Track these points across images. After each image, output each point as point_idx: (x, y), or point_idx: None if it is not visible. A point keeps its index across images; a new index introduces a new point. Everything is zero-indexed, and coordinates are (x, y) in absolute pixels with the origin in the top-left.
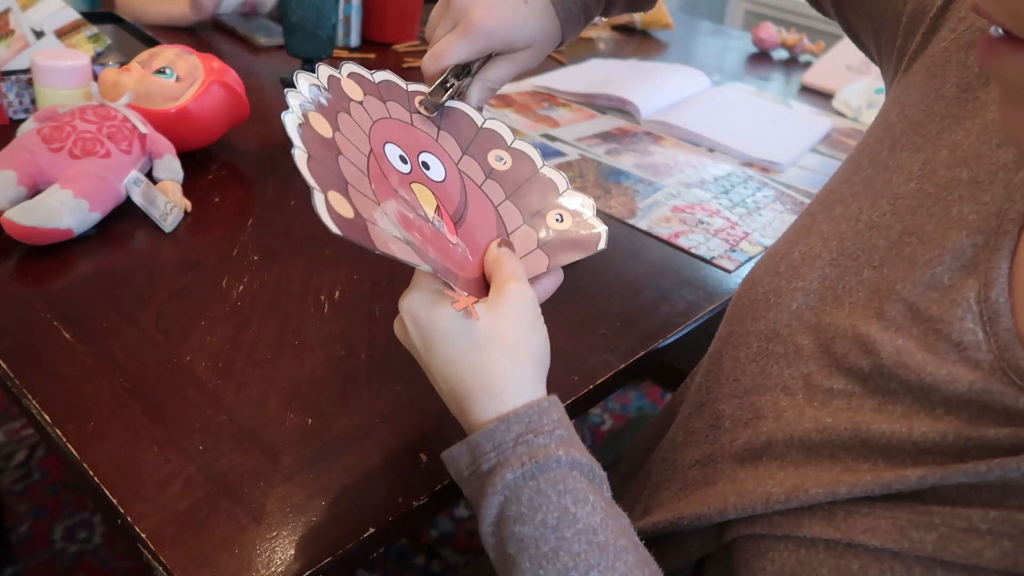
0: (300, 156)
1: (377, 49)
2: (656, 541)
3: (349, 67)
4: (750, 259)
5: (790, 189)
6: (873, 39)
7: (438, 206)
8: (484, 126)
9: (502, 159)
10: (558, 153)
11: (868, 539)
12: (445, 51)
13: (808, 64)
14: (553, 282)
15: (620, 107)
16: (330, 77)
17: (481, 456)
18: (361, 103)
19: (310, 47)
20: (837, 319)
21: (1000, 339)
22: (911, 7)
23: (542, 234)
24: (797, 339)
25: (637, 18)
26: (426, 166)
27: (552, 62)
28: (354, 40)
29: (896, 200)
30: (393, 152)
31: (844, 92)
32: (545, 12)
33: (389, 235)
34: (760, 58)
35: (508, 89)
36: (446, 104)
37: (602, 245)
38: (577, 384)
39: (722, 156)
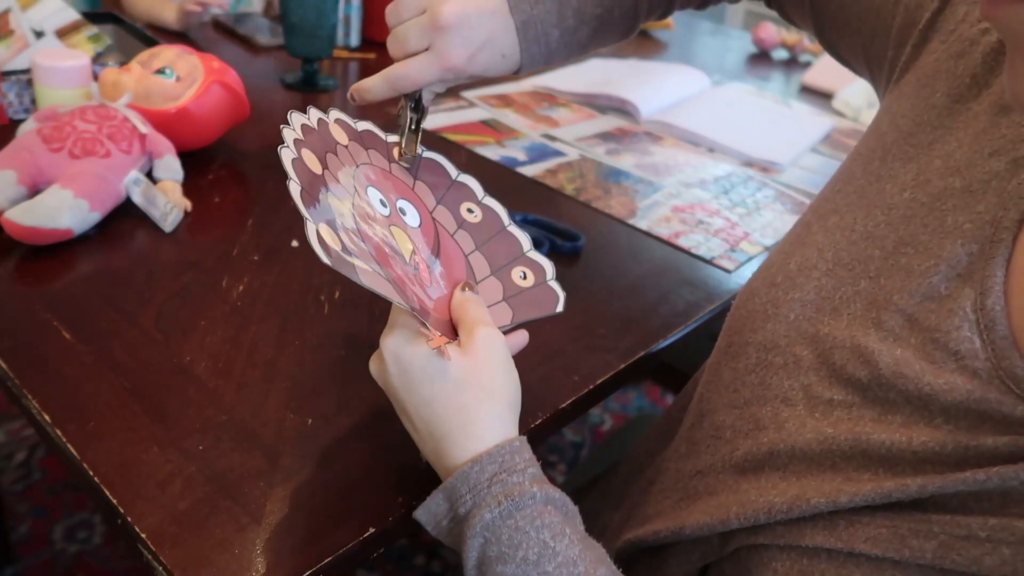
0: (295, 188)
1: (377, 49)
2: (657, 550)
3: (335, 113)
4: (750, 259)
5: (790, 189)
6: (863, 54)
7: (413, 250)
8: (457, 179)
9: (473, 211)
10: (558, 153)
11: (869, 548)
12: (416, 76)
13: (808, 64)
14: (519, 343)
15: (620, 107)
16: (320, 120)
17: (458, 500)
18: (347, 147)
19: (310, 47)
20: (835, 330)
21: (997, 347)
22: (900, 20)
23: (507, 289)
24: (795, 350)
25: None
26: (403, 212)
27: None
28: (354, 40)
29: (890, 210)
30: (374, 196)
31: (844, 92)
32: (515, 61)
33: (372, 270)
34: (760, 58)
35: (508, 89)
36: (423, 155)
37: (559, 308)
38: (577, 384)
39: (722, 156)
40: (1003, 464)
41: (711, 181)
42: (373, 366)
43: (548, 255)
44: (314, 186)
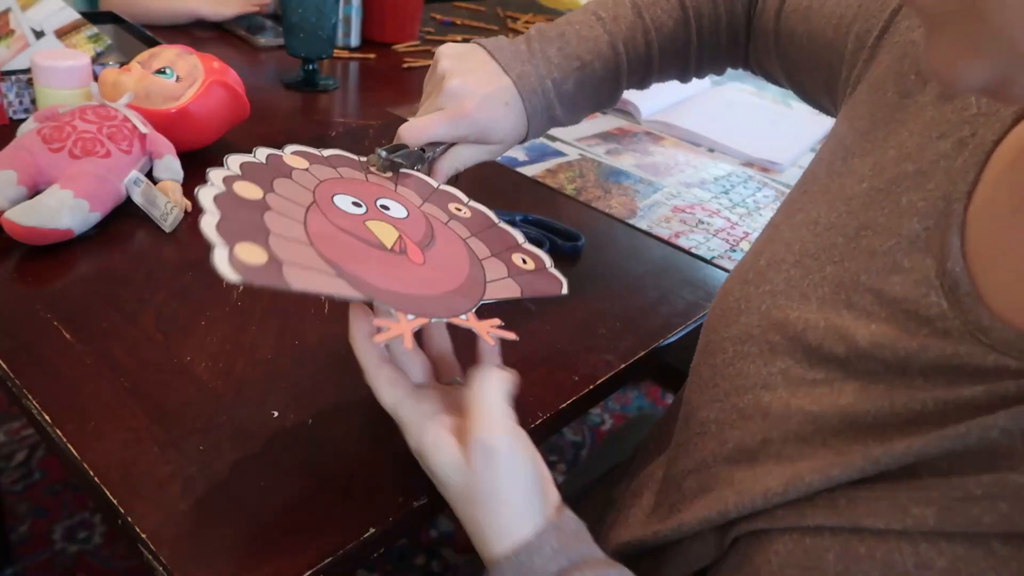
0: (207, 220)
1: (377, 49)
2: (654, 552)
3: (293, 147)
4: None
5: (790, 189)
6: (824, 86)
7: (400, 236)
8: (439, 188)
9: (461, 210)
10: (558, 153)
11: (872, 522)
12: (429, 127)
13: None
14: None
15: (620, 107)
16: (269, 155)
17: None
18: (307, 170)
19: (310, 47)
20: (805, 313)
21: (963, 304)
22: (852, 45)
23: (510, 268)
24: (769, 337)
25: None
26: (386, 208)
27: None
28: (354, 40)
29: (850, 200)
30: (344, 200)
31: None
32: (520, 116)
33: (315, 271)
34: None
35: None
36: (400, 171)
37: (564, 291)
38: (577, 384)
39: (722, 156)
40: (982, 414)
41: (711, 181)
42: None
43: (548, 255)
44: (247, 212)
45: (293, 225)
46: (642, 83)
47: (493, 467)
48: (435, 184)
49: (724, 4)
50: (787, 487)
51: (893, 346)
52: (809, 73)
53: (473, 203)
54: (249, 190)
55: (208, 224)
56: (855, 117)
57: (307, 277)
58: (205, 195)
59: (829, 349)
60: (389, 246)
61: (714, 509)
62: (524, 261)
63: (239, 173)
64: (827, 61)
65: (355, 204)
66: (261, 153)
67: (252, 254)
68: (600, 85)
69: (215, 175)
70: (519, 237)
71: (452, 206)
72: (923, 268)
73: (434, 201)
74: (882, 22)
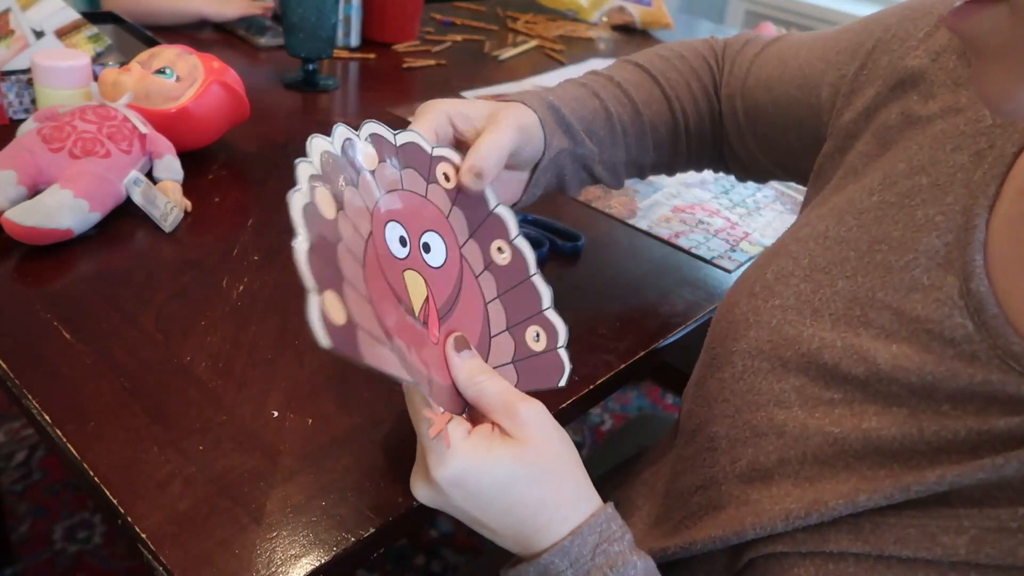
0: (301, 247)
1: (377, 49)
2: (663, 568)
3: (370, 127)
4: (750, 259)
5: (790, 189)
6: (812, 141)
7: (427, 297)
8: (495, 210)
9: (503, 251)
10: None
11: (899, 550)
12: (497, 140)
13: None
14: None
15: None
16: (346, 140)
17: (554, 575)
18: (373, 172)
19: (310, 47)
20: (820, 331)
21: (990, 327)
22: (826, 92)
23: (518, 350)
24: (780, 352)
25: (637, 18)
26: (427, 248)
27: (552, 62)
28: (354, 40)
29: (860, 214)
30: (394, 233)
31: None
32: (534, 122)
33: (377, 343)
34: None
35: (508, 89)
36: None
37: (563, 383)
38: (577, 384)
39: None
40: (1019, 446)
41: (711, 181)
42: (424, 494)
43: (548, 255)
44: (326, 239)
45: (357, 270)
46: (638, 151)
47: (547, 427)
48: (492, 205)
49: (704, 103)
50: (809, 510)
51: (919, 370)
52: (783, 137)
53: (518, 241)
54: (326, 204)
55: (301, 253)
56: (860, 144)
57: (374, 352)
58: (296, 206)
59: (847, 370)
60: (416, 312)
61: (729, 529)
62: (537, 337)
63: (319, 172)
64: (796, 119)
65: (401, 241)
66: (338, 138)
67: (335, 309)
68: (597, 115)
69: (303, 173)
70: (546, 299)
71: (495, 245)
72: (945, 286)
73: (480, 236)
74: (857, 63)
